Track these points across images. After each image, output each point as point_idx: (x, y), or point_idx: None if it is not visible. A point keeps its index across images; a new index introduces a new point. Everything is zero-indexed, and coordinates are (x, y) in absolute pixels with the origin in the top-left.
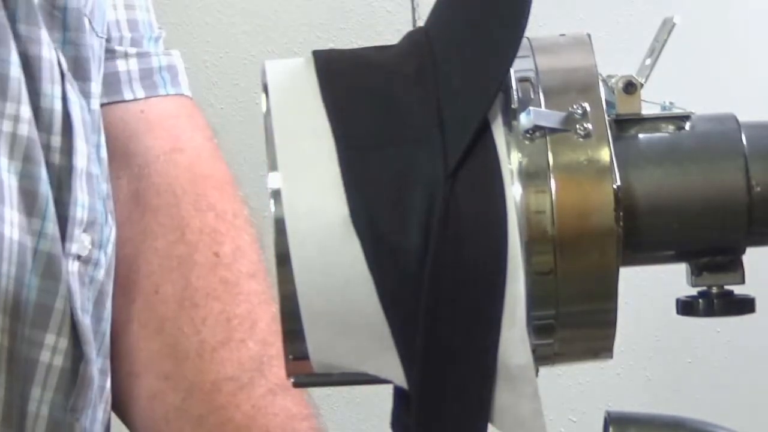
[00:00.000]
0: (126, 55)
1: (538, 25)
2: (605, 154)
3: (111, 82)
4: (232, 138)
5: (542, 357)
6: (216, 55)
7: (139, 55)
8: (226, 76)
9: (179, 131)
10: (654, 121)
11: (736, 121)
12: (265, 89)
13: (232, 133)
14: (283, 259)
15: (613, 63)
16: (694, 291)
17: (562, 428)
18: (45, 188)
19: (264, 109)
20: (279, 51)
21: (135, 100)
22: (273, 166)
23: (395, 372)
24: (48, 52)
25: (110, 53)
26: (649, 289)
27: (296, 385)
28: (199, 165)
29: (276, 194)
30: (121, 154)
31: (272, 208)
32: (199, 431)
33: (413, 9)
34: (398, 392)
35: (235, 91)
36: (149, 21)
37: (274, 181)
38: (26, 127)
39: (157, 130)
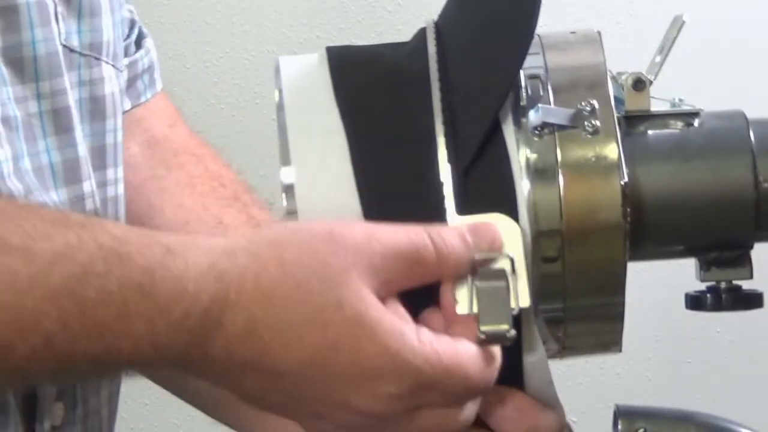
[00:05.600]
0: (120, 71)
1: (539, 26)
2: (613, 151)
3: None
4: (231, 138)
5: (551, 350)
6: (216, 55)
7: (130, 65)
8: (226, 76)
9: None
10: (663, 118)
11: (745, 117)
12: (279, 85)
13: (232, 133)
14: None
15: (613, 63)
16: (694, 290)
17: None
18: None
19: (277, 104)
20: (279, 51)
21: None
22: (286, 161)
23: None
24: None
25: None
26: (650, 290)
27: None
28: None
29: (289, 189)
30: None
31: (284, 202)
32: None
33: None
34: None
35: (235, 91)
36: (128, 14)
37: (288, 176)
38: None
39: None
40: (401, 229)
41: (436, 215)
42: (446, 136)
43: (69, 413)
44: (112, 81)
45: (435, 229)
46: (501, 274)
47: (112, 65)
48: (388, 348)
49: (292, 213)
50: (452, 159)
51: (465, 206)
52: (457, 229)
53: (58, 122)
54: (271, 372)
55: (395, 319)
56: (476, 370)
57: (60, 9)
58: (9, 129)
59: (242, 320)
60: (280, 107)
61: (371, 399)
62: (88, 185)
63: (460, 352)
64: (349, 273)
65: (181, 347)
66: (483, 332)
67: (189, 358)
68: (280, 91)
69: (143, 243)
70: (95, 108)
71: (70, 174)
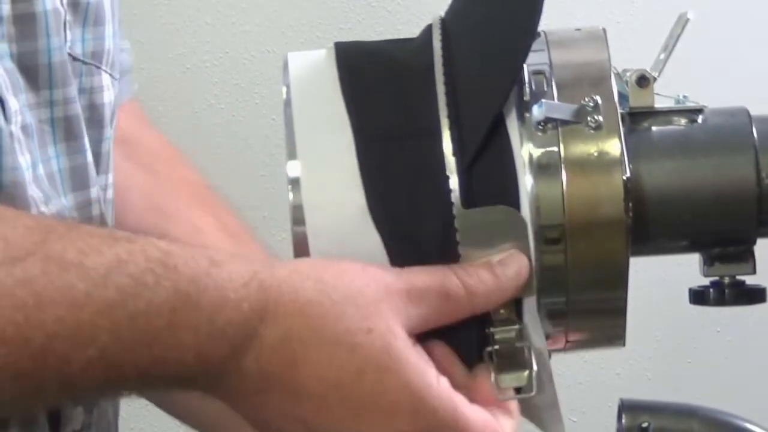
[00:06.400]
0: (116, 79)
1: (541, 25)
2: (615, 146)
3: None
4: (231, 138)
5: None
6: (216, 55)
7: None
8: (226, 76)
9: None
10: (666, 114)
11: (748, 114)
12: (287, 81)
13: (231, 133)
14: (301, 247)
15: (614, 62)
16: (697, 285)
17: None
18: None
19: (285, 100)
20: (279, 51)
21: None
22: (292, 155)
23: None
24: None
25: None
26: (649, 289)
27: None
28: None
29: (294, 183)
30: None
31: (290, 196)
32: None
33: None
34: None
35: (235, 91)
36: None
37: (294, 170)
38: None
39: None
40: (427, 268)
41: (441, 209)
42: (451, 130)
43: (86, 417)
44: (109, 90)
45: (461, 266)
46: (513, 322)
47: (110, 74)
48: (410, 384)
49: (297, 206)
50: (457, 153)
51: (468, 200)
52: (484, 263)
53: (69, 129)
54: (295, 391)
55: (420, 358)
56: None
57: (69, 17)
58: (27, 136)
59: (277, 332)
60: (287, 103)
61: None
62: (95, 191)
63: (474, 418)
64: (381, 305)
65: (221, 358)
66: (500, 386)
67: (224, 371)
68: (288, 87)
69: (188, 255)
70: (93, 116)
71: (78, 180)
